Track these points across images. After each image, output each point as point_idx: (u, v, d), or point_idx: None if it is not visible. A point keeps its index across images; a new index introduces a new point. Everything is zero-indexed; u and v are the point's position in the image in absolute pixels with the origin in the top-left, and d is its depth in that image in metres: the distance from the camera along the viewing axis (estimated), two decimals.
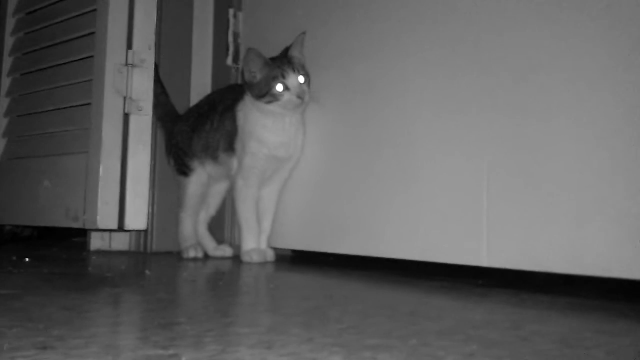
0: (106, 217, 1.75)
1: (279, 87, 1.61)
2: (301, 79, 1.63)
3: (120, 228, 1.78)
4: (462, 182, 1.35)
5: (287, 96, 1.61)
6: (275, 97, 1.61)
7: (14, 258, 1.66)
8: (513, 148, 1.27)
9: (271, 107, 1.63)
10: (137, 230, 1.90)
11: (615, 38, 1.15)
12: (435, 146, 1.42)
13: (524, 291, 1.23)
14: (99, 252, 1.93)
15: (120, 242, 1.99)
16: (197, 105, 1.89)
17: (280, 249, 1.80)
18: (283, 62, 1.63)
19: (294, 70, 1.62)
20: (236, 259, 1.78)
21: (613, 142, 1.13)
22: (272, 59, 1.65)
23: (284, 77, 1.61)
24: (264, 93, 1.62)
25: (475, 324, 0.90)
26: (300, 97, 1.61)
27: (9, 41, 2.15)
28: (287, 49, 1.67)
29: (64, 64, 1.96)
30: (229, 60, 2.04)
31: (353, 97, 1.63)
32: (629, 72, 1.12)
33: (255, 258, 1.68)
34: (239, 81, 2.01)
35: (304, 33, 1.68)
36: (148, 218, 1.85)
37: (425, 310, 1.05)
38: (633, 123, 1.11)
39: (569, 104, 1.20)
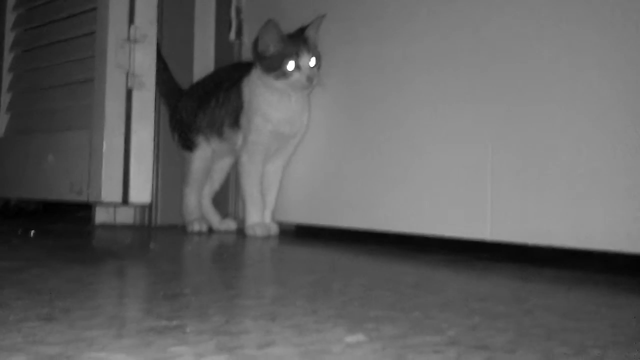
0: (110, 190, 1.75)
1: (291, 66, 1.59)
2: (313, 61, 1.60)
3: (125, 202, 1.78)
4: (467, 157, 1.35)
5: (296, 76, 1.59)
6: (285, 74, 1.60)
7: (20, 232, 1.66)
8: (517, 124, 1.27)
9: (278, 83, 1.62)
10: (141, 204, 1.90)
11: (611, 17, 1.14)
12: (441, 125, 1.41)
13: (529, 265, 1.23)
14: (104, 226, 1.94)
15: (125, 216, 1.99)
16: (203, 82, 1.87)
17: (285, 223, 1.80)
18: (299, 41, 1.61)
19: (308, 52, 1.60)
20: (240, 233, 1.78)
21: (617, 118, 1.13)
22: (289, 36, 1.63)
23: (298, 56, 1.58)
24: (275, 68, 1.61)
25: (479, 297, 0.90)
26: (309, 79, 1.59)
27: (10, 17, 2.14)
28: (302, 29, 1.64)
29: (67, 39, 1.95)
30: (232, 36, 2.02)
31: (359, 75, 1.61)
32: (627, 54, 1.12)
33: (259, 232, 1.68)
34: (243, 56, 2.00)
35: (323, 16, 1.65)
36: (152, 192, 1.86)
37: (429, 283, 1.05)
38: (632, 100, 1.11)
39: (569, 86, 1.20)
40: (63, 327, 0.65)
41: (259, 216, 1.71)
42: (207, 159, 1.82)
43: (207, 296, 0.85)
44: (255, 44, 1.65)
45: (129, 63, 1.77)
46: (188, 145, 1.82)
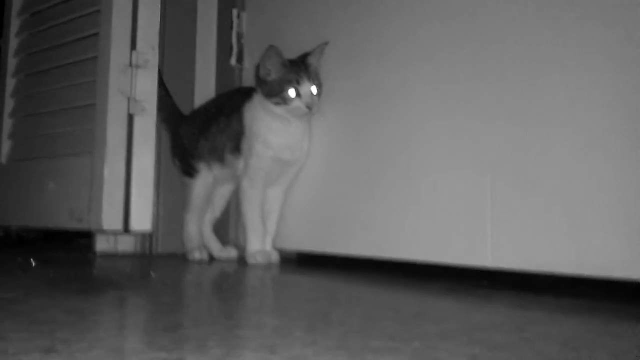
0: (111, 218, 1.75)
1: (291, 93, 1.59)
2: (314, 89, 1.61)
3: (125, 230, 1.78)
4: (466, 184, 1.35)
5: (296, 103, 1.60)
6: (285, 100, 1.60)
7: (20, 260, 1.66)
8: (516, 151, 1.28)
9: (278, 109, 1.63)
10: (142, 232, 1.90)
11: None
12: (441, 150, 1.42)
13: (528, 293, 1.23)
14: (105, 255, 1.93)
15: (126, 244, 1.99)
16: (204, 107, 1.88)
17: (285, 250, 1.80)
18: (301, 68, 1.62)
19: (309, 79, 1.60)
20: (241, 260, 1.78)
21: (616, 146, 1.13)
22: (291, 62, 1.63)
23: (298, 83, 1.59)
24: (275, 94, 1.61)
25: (479, 326, 0.90)
26: (309, 107, 1.60)
27: (14, 42, 2.16)
28: (305, 55, 1.66)
29: (68, 64, 1.97)
30: (233, 61, 2.03)
31: (359, 102, 1.63)
32: (627, 80, 1.13)
33: (260, 260, 1.68)
34: (244, 81, 2.01)
35: (326, 43, 1.66)
36: (153, 220, 1.85)
37: (429, 312, 1.05)
38: (633, 127, 1.12)
39: (569, 111, 1.21)
40: (63, 359, 0.65)
41: (260, 243, 1.71)
42: (208, 185, 1.83)
43: (207, 327, 0.85)
44: (257, 69, 1.66)
45: (131, 88, 1.79)
46: (189, 171, 1.82)
